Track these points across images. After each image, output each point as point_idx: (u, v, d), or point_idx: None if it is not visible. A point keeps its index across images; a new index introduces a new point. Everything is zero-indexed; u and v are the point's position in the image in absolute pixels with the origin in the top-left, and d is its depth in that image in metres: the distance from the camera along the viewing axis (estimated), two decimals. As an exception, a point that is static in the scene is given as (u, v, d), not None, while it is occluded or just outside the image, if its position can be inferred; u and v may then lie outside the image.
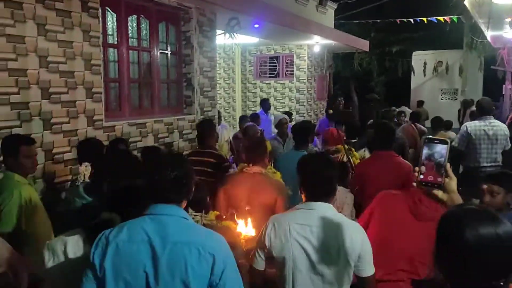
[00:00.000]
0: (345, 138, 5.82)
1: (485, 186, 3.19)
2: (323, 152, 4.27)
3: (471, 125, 5.98)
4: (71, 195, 3.19)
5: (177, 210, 1.99)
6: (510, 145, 5.98)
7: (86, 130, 5.00)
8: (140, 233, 1.89)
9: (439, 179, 1.64)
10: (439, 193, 1.66)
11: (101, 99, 5.20)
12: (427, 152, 1.67)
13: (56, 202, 3.81)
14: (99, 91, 5.16)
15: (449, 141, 1.68)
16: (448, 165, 1.66)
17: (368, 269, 2.45)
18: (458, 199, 1.65)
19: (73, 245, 2.12)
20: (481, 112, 6.04)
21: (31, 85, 4.40)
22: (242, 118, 8.71)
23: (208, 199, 3.34)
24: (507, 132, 5.98)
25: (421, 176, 1.67)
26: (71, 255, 2.11)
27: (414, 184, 1.70)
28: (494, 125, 5.93)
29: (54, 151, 4.65)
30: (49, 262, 2.12)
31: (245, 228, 3.20)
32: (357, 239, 2.39)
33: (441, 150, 1.66)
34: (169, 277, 1.86)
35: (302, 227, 2.40)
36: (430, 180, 1.66)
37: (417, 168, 1.67)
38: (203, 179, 3.92)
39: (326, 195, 2.49)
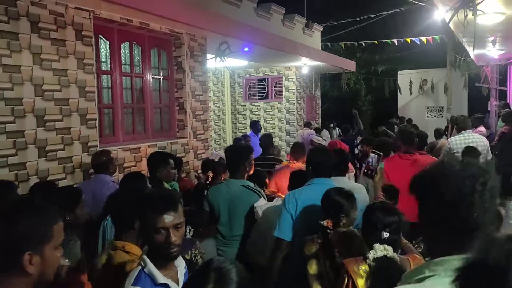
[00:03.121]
0: None
1: None
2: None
3: (452, 141, 6.25)
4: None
5: (331, 181, 3.28)
6: (491, 155, 6.24)
7: (80, 157, 5.02)
8: (314, 194, 3.07)
9: (370, 173, 3.38)
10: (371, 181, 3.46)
11: (95, 125, 5.23)
12: (371, 156, 3.40)
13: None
14: (94, 117, 5.20)
15: (381, 154, 3.41)
16: (379, 166, 3.36)
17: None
18: (378, 187, 3.38)
19: (264, 207, 3.64)
20: (459, 129, 6.42)
21: (26, 114, 4.44)
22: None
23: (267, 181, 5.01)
24: (486, 143, 6.25)
25: (365, 170, 3.42)
26: (265, 211, 3.61)
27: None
28: (474, 138, 6.18)
29: (49, 178, 4.65)
30: (258, 218, 3.62)
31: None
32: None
33: (374, 157, 3.37)
34: None
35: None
36: (369, 172, 3.38)
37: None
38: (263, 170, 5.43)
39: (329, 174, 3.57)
